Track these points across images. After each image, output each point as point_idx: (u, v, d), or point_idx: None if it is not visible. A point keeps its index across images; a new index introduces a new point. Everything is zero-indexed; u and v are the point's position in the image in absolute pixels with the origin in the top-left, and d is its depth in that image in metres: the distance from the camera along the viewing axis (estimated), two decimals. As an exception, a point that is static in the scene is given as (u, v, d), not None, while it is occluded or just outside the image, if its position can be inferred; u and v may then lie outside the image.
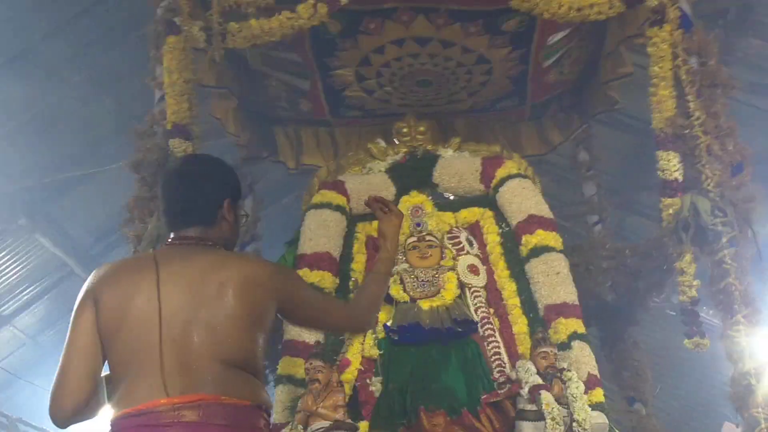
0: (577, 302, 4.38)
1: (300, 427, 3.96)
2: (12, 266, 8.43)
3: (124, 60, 6.28)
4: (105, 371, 2.22)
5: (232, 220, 2.38)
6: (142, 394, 2.08)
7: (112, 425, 2.11)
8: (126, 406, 2.09)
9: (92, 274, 2.26)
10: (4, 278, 8.42)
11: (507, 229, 4.74)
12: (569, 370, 3.98)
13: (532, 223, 4.64)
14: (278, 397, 4.21)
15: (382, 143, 5.27)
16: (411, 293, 4.45)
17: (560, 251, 4.57)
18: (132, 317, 2.14)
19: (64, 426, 2.20)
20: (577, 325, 4.28)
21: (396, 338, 4.34)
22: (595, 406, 3.93)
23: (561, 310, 4.33)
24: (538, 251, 4.54)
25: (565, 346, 4.19)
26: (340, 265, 4.69)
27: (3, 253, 8.22)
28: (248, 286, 2.18)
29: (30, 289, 8.82)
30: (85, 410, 2.17)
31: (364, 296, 2.59)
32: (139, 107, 4.54)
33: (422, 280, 4.48)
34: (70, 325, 2.20)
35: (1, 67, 6.63)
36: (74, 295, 2.25)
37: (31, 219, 8.07)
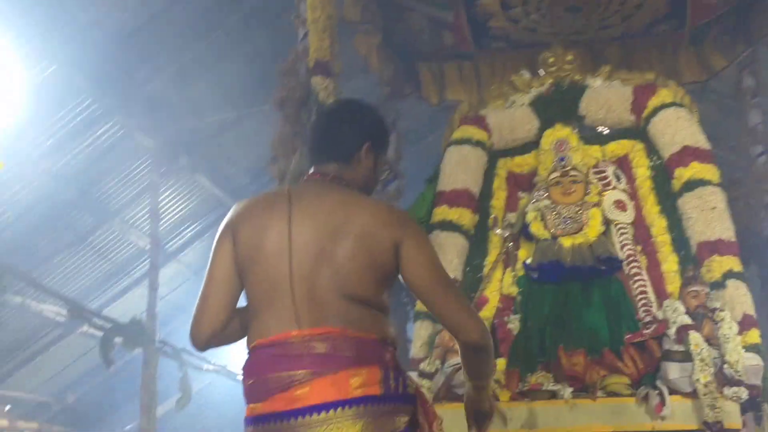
0: (734, 239, 4.09)
1: (437, 362, 3.97)
2: (175, 205, 8.90)
3: (277, -1, 6.37)
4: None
5: (370, 164, 2.38)
6: (275, 326, 2.17)
7: (249, 355, 2.22)
8: (260, 336, 2.19)
9: (232, 208, 2.34)
10: (168, 216, 8.91)
11: (658, 162, 4.47)
12: (722, 310, 3.75)
13: (687, 155, 4.34)
14: (417, 332, 4.23)
15: (527, 75, 5.07)
16: (552, 230, 4.30)
17: (717, 185, 4.26)
18: (265, 250, 2.21)
19: (201, 349, 2.33)
20: (733, 263, 4.01)
21: (536, 276, 4.23)
22: (749, 348, 3.70)
23: (716, 247, 4.06)
24: (692, 185, 4.26)
25: (719, 285, 3.94)
26: (480, 202, 4.61)
27: (168, 193, 8.69)
28: (366, 233, 2.19)
29: (192, 226, 9.30)
30: (221, 336, 2.28)
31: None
32: (290, 46, 4.60)
33: (564, 217, 4.32)
34: (210, 256, 2.29)
35: (162, 12, 6.92)
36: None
37: (192, 159, 8.47)
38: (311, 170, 2.37)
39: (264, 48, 7.28)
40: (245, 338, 2.28)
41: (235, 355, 10.04)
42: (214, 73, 7.71)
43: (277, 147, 4.35)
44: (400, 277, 2.23)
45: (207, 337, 2.27)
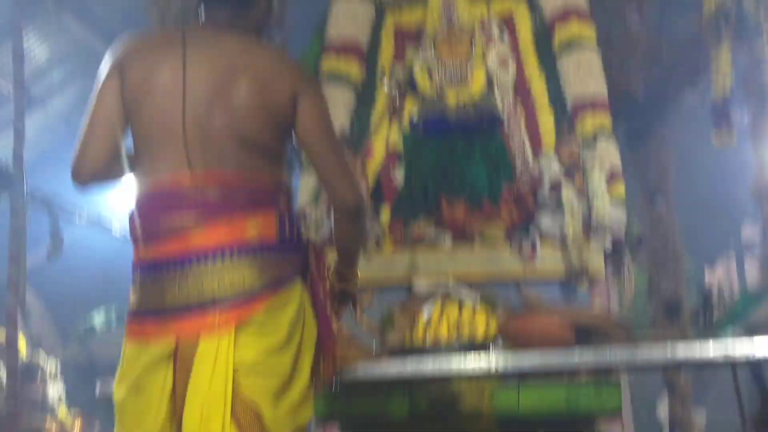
0: (606, 97, 4.30)
1: (323, 212, 4.05)
2: (41, 48, 8.41)
3: None
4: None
5: (267, 4, 2.34)
6: (167, 168, 2.15)
7: (138, 200, 2.20)
8: (150, 178, 2.17)
9: (118, 45, 2.25)
10: (34, 61, 8.42)
11: (540, 21, 4.57)
12: (592, 165, 3.98)
13: (567, 12, 4.46)
14: (303, 183, 4.28)
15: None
16: (438, 84, 4.39)
17: (593, 45, 4.42)
18: (157, 91, 2.17)
19: (83, 184, 2.27)
20: (604, 119, 4.22)
21: (420, 130, 4.33)
22: (615, 201, 3.96)
23: (589, 104, 4.25)
24: (570, 44, 4.40)
25: (590, 140, 4.15)
26: (367, 55, 4.60)
27: (32, 35, 8.18)
28: (265, 79, 2.17)
29: (60, 72, 8.84)
30: (104, 174, 2.25)
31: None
32: None
33: (450, 72, 4.40)
34: (94, 92, 2.23)
35: None
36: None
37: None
38: (202, 17, 2.29)
39: None
40: (124, 180, 2.26)
41: (110, 205, 9.89)
42: None
43: (157, -13, 4.18)
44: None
45: (89, 173, 2.23)
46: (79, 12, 8.14)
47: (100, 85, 2.23)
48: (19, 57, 7.76)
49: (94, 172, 2.22)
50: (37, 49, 8.36)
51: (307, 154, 2.30)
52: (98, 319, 10.52)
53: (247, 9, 2.28)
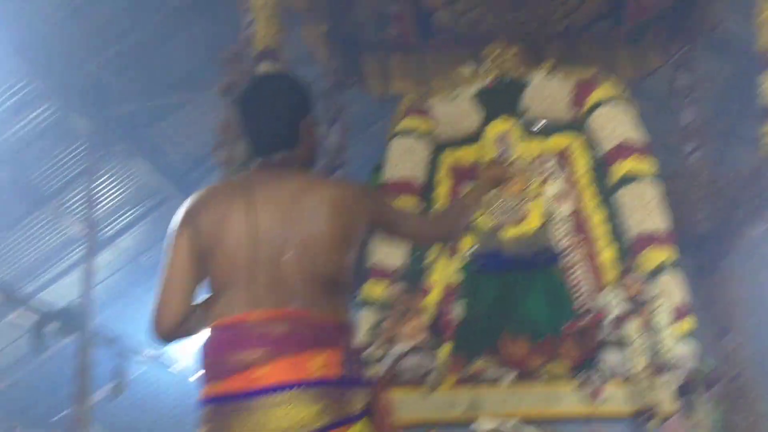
0: (668, 231, 4.24)
1: (382, 349, 4.02)
2: (112, 191, 8.76)
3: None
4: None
5: (312, 136, 2.41)
6: (235, 307, 2.18)
7: (207, 339, 2.23)
8: (219, 317, 2.21)
9: (189, 198, 2.34)
10: (105, 202, 8.77)
11: (598, 155, 4.60)
12: (657, 299, 3.89)
13: (625, 148, 4.47)
14: (362, 320, 4.27)
15: (471, 67, 5.15)
16: (495, 221, 4.40)
17: (654, 178, 4.41)
18: (227, 238, 2.22)
19: (164, 340, 2.32)
20: (668, 253, 4.15)
21: (478, 266, 4.32)
22: (684, 336, 3.84)
23: (652, 238, 4.20)
24: (629, 178, 4.39)
25: (654, 274, 4.07)
26: (424, 193, 4.67)
27: (104, 178, 8.55)
28: (339, 206, 2.23)
29: (129, 212, 9.17)
30: (183, 328, 2.28)
31: (450, 212, 2.86)
32: (236, 33, 4.60)
33: (507, 208, 4.42)
34: (169, 249, 2.29)
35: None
36: (171, 218, 2.34)
37: (130, 144, 8.34)
38: (258, 161, 2.37)
39: (207, 33, 7.22)
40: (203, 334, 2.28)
41: (171, 345, 9.99)
42: (156, 56, 7.60)
43: (222, 132, 4.35)
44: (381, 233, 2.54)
45: (169, 329, 2.27)
46: (150, 157, 8.51)
47: (173, 239, 2.30)
48: (90, 199, 8.10)
49: (173, 327, 2.26)
50: (107, 191, 8.72)
51: (398, 237, 2.65)
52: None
53: (292, 147, 2.35)
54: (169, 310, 2.25)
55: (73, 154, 8.10)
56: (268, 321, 2.13)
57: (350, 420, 2.13)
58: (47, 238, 8.72)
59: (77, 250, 8.82)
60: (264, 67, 4.25)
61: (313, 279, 2.17)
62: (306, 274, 2.17)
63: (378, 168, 4.82)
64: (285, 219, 2.21)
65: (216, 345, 2.19)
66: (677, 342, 3.78)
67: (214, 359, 2.18)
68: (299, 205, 2.22)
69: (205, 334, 2.25)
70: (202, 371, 2.22)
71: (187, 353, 9.60)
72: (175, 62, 7.63)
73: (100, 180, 8.40)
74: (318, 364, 2.12)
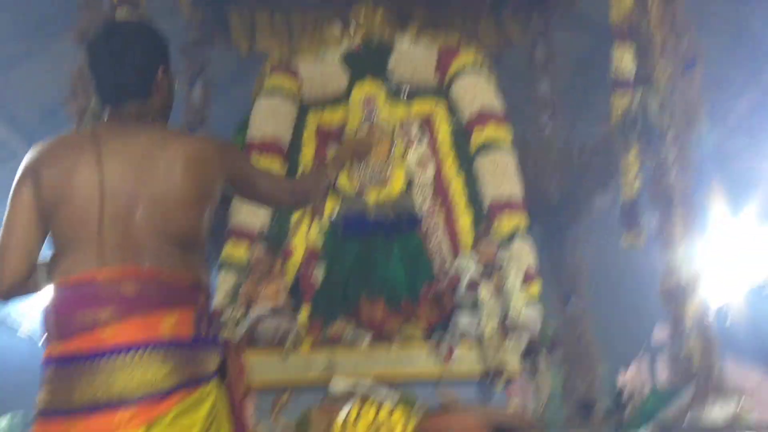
0: (521, 198, 4.42)
1: (241, 311, 4.01)
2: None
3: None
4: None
5: (166, 87, 2.32)
6: (81, 264, 2.09)
7: (53, 297, 2.13)
8: (64, 274, 2.11)
9: (30, 151, 2.22)
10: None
11: (458, 123, 4.72)
12: (508, 265, 4.05)
13: (484, 116, 4.62)
14: (221, 281, 4.24)
15: (338, 29, 5.14)
16: (358, 185, 4.44)
17: (509, 146, 4.57)
18: (72, 193, 2.12)
19: (4, 299, 2.22)
20: (520, 220, 4.34)
21: (340, 230, 4.36)
22: (531, 301, 4.03)
23: (505, 205, 4.37)
24: (487, 147, 4.54)
25: (506, 241, 4.25)
26: (289, 154, 4.65)
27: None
28: (195, 162, 2.17)
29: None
30: (24, 286, 2.18)
31: (310, 178, 2.85)
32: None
33: (370, 171, 4.47)
34: (9, 203, 2.18)
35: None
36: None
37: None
38: (107, 111, 2.27)
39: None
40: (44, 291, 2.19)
41: (17, 306, 9.54)
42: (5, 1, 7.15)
43: (76, 82, 4.16)
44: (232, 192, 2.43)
45: (9, 287, 2.17)
46: (-2, 110, 8.03)
47: (12, 193, 2.18)
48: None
49: (12, 285, 2.16)
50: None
51: (257, 198, 2.53)
52: (3, 423, 10.02)
53: (145, 98, 2.27)
54: (9, 266, 2.15)
55: None
56: (117, 279, 2.07)
57: (201, 380, 2.10)
58: None
59: None
60: (121, 14, 4.09)
61: (166, 237, 2.12)
62: (158, 232, 2.11)
63: (242, 127, 4.76)
64: (136, 173, 2.13)
65: (62, 303, 2.10)
66: (524, 306, 3.94)
67: (59, 318, 2.09)
68: (152, 160, 2.15)
69: (50, 292, 2.17)
70: (47, 331, 2.12)
71: (35, 316, 9.21)
72: (26, 7, 7.20)
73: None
74: (169, 323, 2.07)
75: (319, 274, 4.23)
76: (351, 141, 3.12)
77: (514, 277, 3.99)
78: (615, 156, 4.16)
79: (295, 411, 3.69)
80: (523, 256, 4.19)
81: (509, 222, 4.30)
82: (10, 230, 2.16)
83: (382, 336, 3.97)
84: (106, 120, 2.30)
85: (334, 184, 3.98)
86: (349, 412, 3.36)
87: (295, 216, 4.43)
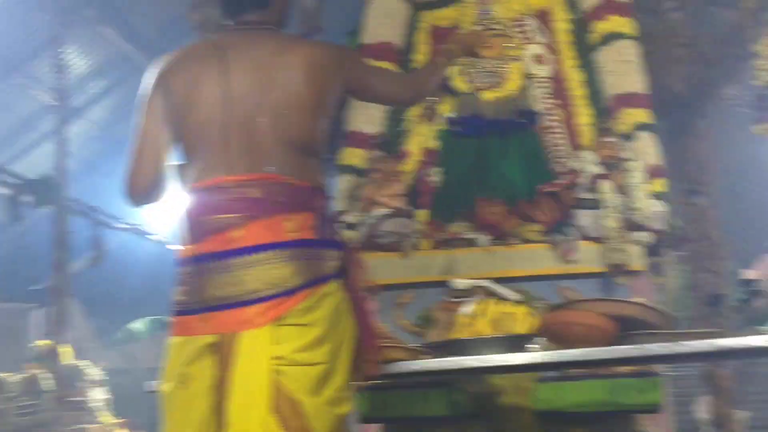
0: (646, 92, 4.24)
1: (360, 214, 4.06)
2: (80, 59, 8.54)
3: None
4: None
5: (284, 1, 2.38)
6: (210, 172, 2.21)
7: (186, 202, 2.26)
8: (195, 181, 2.24)
9: (158, 62, 2.31)
10: (74, 71, 8.55)
11: (578, 15, 4.53)
12: (632, 160, 3.93)
13: (605, 7, 4.40)
14: (340, 186, 4.29)
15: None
16: (474, 84, 4.36)
17: (633, 38, 4.36)
18: (200, 101, 2.23)
19: (137, 204, 2.36)
20: (643, 115, 4.16)
21: (457, 129, 4.31)
22: (655, 196, 3.90)
23: (628, 99, 4.19)
24: (609, 38, 4.33)
25: (629, 136, 4.10)
26: (403, 56, 4.60)
27: (73, 46, 8.30)
28: (315, 68, 2.23)
29: (99, 82, 8.97)
30: (157, 191, 2.32)
31: (423, 71, 3.00)
32: None
33: (486, 71, 4.37)
34: (140, 112, 2.29)
35: None
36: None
37: (98, 10, 8.06)
38: (229, 22, 2.34)
39: None
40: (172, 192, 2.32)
41: (151, 212, 10.00)
42: None
43: (198, -5, 4.23)
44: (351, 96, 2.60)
45: (142, 193, 2.30)
46: (118, 24, 8.26)
47: (145, 104, 2.29)
48: (59, 68, 7.90)
49: (147, 190, 2.30)
50: (76, 60, 8.50)
51: (369, 93, 2.54)
52: (140, 325, 10.65)
53: (265, 7, 2.33)
54: (142, 173, 2.28)
55: (40, 21, 7.84)
56: (243, 184, 2.17)
57: (324, 279, 2.20)
58: (17, 107, 8.55)
59: (48, 120, 8.67)
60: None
61: (288, 143, 2.20)
62: (280, 138, 2.19)
63: (354, 32, 4.72)
64: (259, 82, 2.20)
65: (194, 208, 2.23)
66: (648, 203, 3.83)
67: (192, 221, 2.23)
68: (273, 68, 2.21)
69: (182, 196, 2.28)
70: (183, 236, 2.25)
71: (166, 221, 9.64)
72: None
73: (68, 49, 8.16)
74: (293, 226, 2.17)
75: (435, 175, 4.21)
76: (461, 34, 3.08)
77: (637, 172, 3.87)
78: (746, 42, 3.91)
79: (417, 310, 3.75)
80: (646, 151, 4.04)
81: (632, 117, 4.14)
82: (142, 138, 2.29)
83: (500, 236, 3.95)
84: (228, 30, 2.37)
85: (448, 82, 3.94)
86: (471, 309, 3.39)
87: (411, 118, 4.41)
